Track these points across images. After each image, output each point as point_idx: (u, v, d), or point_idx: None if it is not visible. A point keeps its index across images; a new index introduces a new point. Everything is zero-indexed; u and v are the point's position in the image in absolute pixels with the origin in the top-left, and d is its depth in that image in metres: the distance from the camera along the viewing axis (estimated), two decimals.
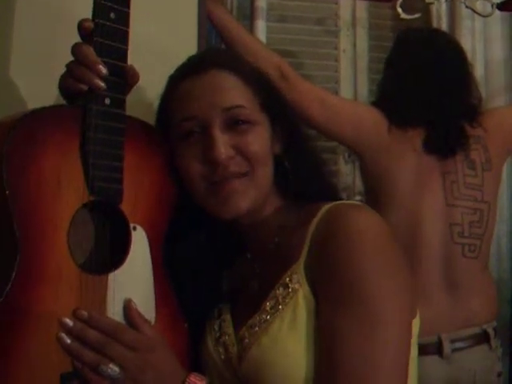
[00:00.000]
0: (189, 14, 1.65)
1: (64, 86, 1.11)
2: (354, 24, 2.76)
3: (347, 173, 2.69)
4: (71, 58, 1.10)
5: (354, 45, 2.76)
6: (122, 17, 1.12)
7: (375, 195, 2.15)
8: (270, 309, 1.12)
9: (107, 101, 1.10)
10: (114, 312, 1.09)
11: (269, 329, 1.11)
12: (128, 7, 1.13)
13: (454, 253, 2.08)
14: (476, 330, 2.08)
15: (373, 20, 2.79)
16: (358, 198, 2.57)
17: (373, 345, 1.02)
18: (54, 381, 1.02)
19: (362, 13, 2.76)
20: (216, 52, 1.43)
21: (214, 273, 1.28)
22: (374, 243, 1.08)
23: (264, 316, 1.13)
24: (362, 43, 2.77)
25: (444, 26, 2.59)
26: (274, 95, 1.25)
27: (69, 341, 1.01)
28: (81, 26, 1.10)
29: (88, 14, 1.11)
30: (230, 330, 1.20)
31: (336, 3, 2.74)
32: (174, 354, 1.10)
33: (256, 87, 1.20)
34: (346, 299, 1.04)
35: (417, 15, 2.39)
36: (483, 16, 2.45)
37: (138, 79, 1.15)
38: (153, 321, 1.15)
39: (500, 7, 2.42)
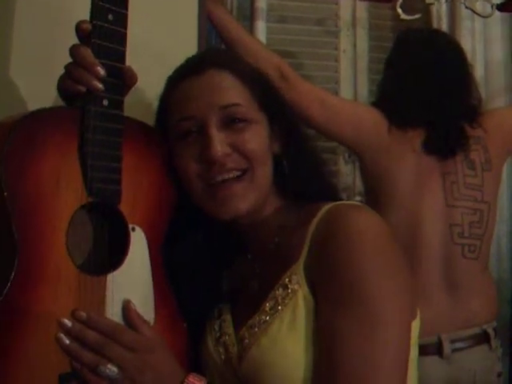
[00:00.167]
0: (189, 14, 1.65)
1: (62, 88, 1.11)
2: (354, 24, 2.76)
3: (347, 173, 2.69)
4: (70, 60, 1.10)
5: (354, 45, 2.76)
6: (119, 18, 1.12)
7: (375, 195, 2.15)
8: (270, 309, 1.12)
9: (105, 102, 1.10)
10: (113, 313, 1.09)
11: (268, 329, 1.11)
12: (126, 9, 1.13)
13: (454, 253, 2.09)
14: (476, 330, 2.08)
15: (373, 20, 2.79)
16: (358, 198, 2.58)
17: (372, 345, 1.02)
18: (52, 381, 1.02)
19: (362, 13, 2.76)
20: (214, 52, 1.43)
21: (214, 273, 1.28)
22: (373, 243, 1.08)
23: (263, 317, 1.13)
24: (362, 44, 2.77)
25: (444, 27, 2.59)
26: (272, 94, 1.25)
27: (68, 341, 1.02)
28: (79, 28, 1.10)
29: (87, 16, 1.11)
30: (230, 330, 1.20)
31: (336, 4, 2.74)
32: (172, 355, 1.10)
33: (254, 86, 1.21)
34: (346, 299, 1.05)
35: (417, 16, 2.39)
36: (483, 17, 2.45)
37: (136, 80, 1.15)
38: (152, 321, 1.15)
39: (500, 8, 2.41)
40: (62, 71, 1.12)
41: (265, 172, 1.20)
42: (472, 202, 2.11)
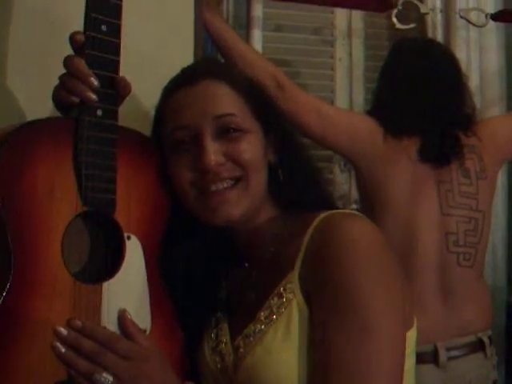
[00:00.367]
0: (185, 23, 1.66)
1: (57, 98, 1.12)
2: (349, 34, 2.77)
3: (343, 182, 2.69)
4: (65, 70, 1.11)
5: (350, 54, 2.77)
6: (113, 29, 1.13)
7: (370, 204, 2.15)
8: (265, 319, 1.13)
9: (99, 112, 1.11)
10: (109, 321, 1.10)
11: (263, 339, 1.12)
12: (119, 19, 1.14)
13: (449, 262, 2.09)
14: (471, 338, 2.08)
15: (369, 30, 2.80)
16: (354, 206, 2.58)
17: (367, 354, 1.02)
18: None
19: (358, 22, 2.77)
20: (208, 62, 1.44)
21: (211, 281, 1.27)
22: (367, 252, 1.08)
23: (258, 326, 1.13)
24: (358, 52, 2.77)
25: (439, 36, 2.60)
26: (266, 104, 1.26)
27: (63, 349, 1.02)
28: (72, 39, 1.11)
29: (82, 24, 1.12)
30: (226, 338, 1.20)
31: (332, 13, 2.75)
32: (168, 364, 1.11)
33: (248, 96, 1.21)
34: (340, 308, 1.05)
35: (412, 25, 2.41)
36: (477, 26, 2.47)
37: (129, 90, 1.16)
38: (148, 330, 1.16)
39: (494, 18, 2.43)
40: (56, 81, 1.13)
41: (259, 180, 1.20)
42: (467, 210, 2.12)
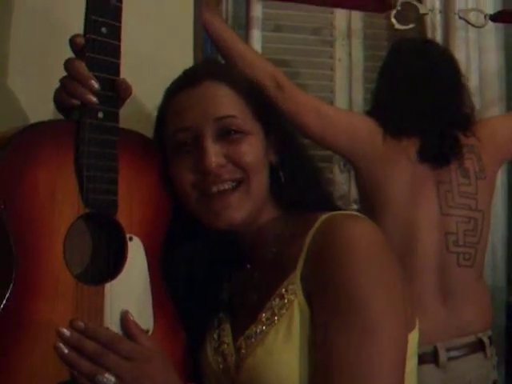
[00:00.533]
0: (184, 24, 1.66)
1: (58, 100, 1.13)
2: (349, 34, 2.77)
3: (342, 182, 2.69)
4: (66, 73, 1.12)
5: (350, 54, 2.77)
6: (113, 31, 1.13)
7: (370, 204, 2.15)
8: (266, 320, 1.13)
9: (100, 114, 1.11)
10: (111, 322, 1.10)
11: (264, 340, 1.12)
12: (119, 21, 1.14)
13: (449, 262, 2.09)
14: (471, 338, 2.08)
15: (368, 30, 2.80)
16: (354, 206, 2.58)
17: (368, 355, 1.02)
18: None
19: (358, 23, 2.77)
20: (210, 64, 1.44)
21: (214, 282, 1.27)
22: (369, 253, 1.08)
23: (260, 327, 1.13)
24: (358, 53, 2.77)
25: (438, 37, 2.59)
26: (267, 105, 1.26)
27: (66, 350, 1.02)
28: (72, 42, 1.12)
29: (82, 27, 1.12)
30: (228, 339, 1.21)
31: (331, 13, 2.75)
32: (170, 365, 1.11)
33: (249, 97, 1.22)
34: (341, 309, 1.05)
35: (411, 26, 2.41)
36: (476, 27, 2.47)
37: (130, 92, 1.16)
38: (150, 330, 1.16)
39: (493, 18, 2.44)
40: (57, 83, 1.13)
41: (260, 182, 1.20)
42: (466, 210, 2.12)
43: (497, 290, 2.62)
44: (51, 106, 1.17)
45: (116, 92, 1.13)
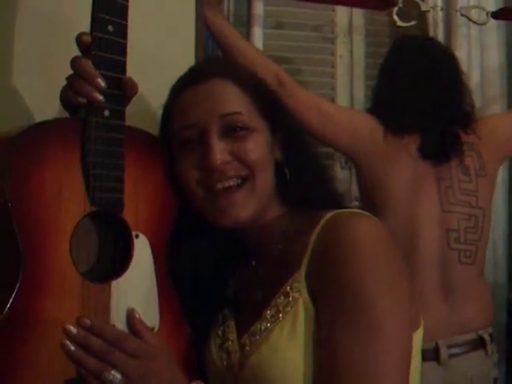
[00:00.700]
0: (186, 21, 1.66)
1: (65, 99, 1.13)
2: (350, 31, 2.77)
3: (343, 179, 2.69)
4: (71, 70, 1.11)
5: (351, 51, 2.77)
6: (119, 29, 1.13)
7: (371, 201, 2.16)
8: (271, 317, 1.13)
9: (106, 113, 1.11)
10: (118, 319, 1.10)
11: (269, 337, 1.12)
12: (126, 20, 1.14)
13: (450, 259, 2.09)
14: (472, 335, 2.08)
15: (370, 26, 2.80)
16: (355, 203, 2.58)
17: (374, 353, 1.02)
18: None
19: (359, 19, 2.77)
20: (215, 61, 1.44)
21: (219, 279, 1.27)
22: (374, 252, 1.08)
23: (264, 324, 1.14)
24: (359, 49, 2.78)
25: (440, 34, 2.60)
26: (273, 102, 1.26)
27: (72, 348, 1.02)
28: (79, 40, 1.12)
29: (87, 27, 1.12)
30: (233, 336, 1.21)
31: (333, 10, 2.75)
32: (175, 362, 1.11)
33: (255, 95, 1.22)
34: (346, 308, 1.05)
35: (413, 23, 2.41)
36: (478, 24, 2.47)
37: (136, 90, 1.16)
38: (156, 327, 1.17)
39: (494, 15, 2.44)
40: (63, 82, 1.13)
41: (265, 179, 1.20)
42: (467, 207, 2.12)
43: (498, 287, 2.63)
44: (55, 105, 1.17)
45: (122, 90, 1.13)
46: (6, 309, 1.00)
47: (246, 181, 1.18)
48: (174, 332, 1.20)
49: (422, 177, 2.11)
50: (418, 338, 1.15)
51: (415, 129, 2.13)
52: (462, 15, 2.45)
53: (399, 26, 2.40)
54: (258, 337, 1.14)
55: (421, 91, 2.16)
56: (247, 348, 1.15)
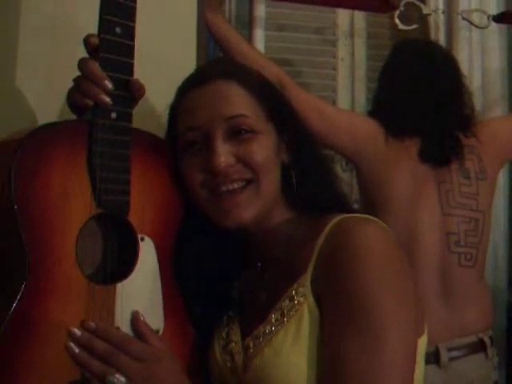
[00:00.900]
0: (188, 23, 1.66)
1: (72, 100, 1.13)
2: (352, 33, 2.77)
3: (344, 181, 2.69)
4: (74, 71, 1.11)
5: (352, 54, 2.77)
6: (127, 31, 1.13)
7: (372, 204, 2.15)
8: (275, 321, 1.13)
9: (113, 115, 1.11)
10: (122, 322, 1.11)
11: (273, 341, 1.12)
12: (133, 21, 1.14)
13: (451, 262, 2.09)
14: (472, 338, 2.08)
15: (371, 29, 2.80)
16: (355, 206, 2.58)
17: (378, 360, 1.01)
18: None
19: (360, 22, 2.77)
20: (221, 62, 1.43)
21: (224, 281, 1.27)
22: (381, 260, 1.08)
23: (269, 327, 1.13)
24: (360, 52, 2.78)
25: (441, 37, 2.59)
26: (280, 104, 1.25)
27: (77, 350, 1.02)
28: (87, 42, 1.12)
29: (92, 28, 1.12)
30: (237, 338, 1.21)
31: (334, 12, 2.75)
32: (179, 365, 1.11)
33: (262, 97, 1.21)
34: (352, 314, 1.04)
35: (414, 26, 2.42)
36: (480, 28, 2.47)
37: (144, 92, 1.16)
38: (161, 330, 1.17)
39: (496, 19, 2.44)
40: (66, 83, 1.13)
41: (271, 182, 1.20)
42: (467, 210, 2.12)
43: (498, 290, 2.62)
44: (59, 106, 1.17)
45: (129, 92, 1.13)
46: (11, 311, 1.00)
47: (251, 183, 1.18)
48: (179, 334, 1.20)
49: (422, 180, 2.11)
50: (422, 344, 1.15)
51: (416, 132, 2.13)
52: (463, 19, 2.46)
53: (400, 29, 2.40)
54: (261, 339, 1.14)
55: (422, 94, 2.16)
56: (251, 350, 1.15)
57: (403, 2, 2.35)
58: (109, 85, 1.10)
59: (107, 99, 1.10)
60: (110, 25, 1.10)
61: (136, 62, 1.17)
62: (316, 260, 1.12)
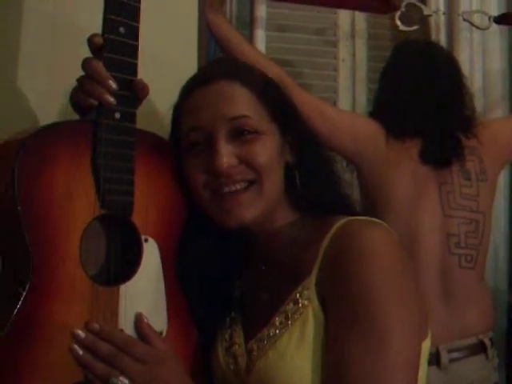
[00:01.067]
0: (189, 23, 1.65)
1: (75, 100, 1.12)
2: (353, 34, 2.77)
3: (345, 182, 2.68)
4: (75, 70, 1.11)
5: (353, 55, 2.77)
6: (131, 31, 1.12)
7: (373, 205, 2.15)
8: (279, 324, 1.13)
9: (117, 115, 1.11)
10: (126, 324, 1.10)
11: (277, 344, 1.11)
12: (137, 21, 1.13)
13: (451, 263, 2.09)
14: (472, 340, 2.08)
15: (372, 30, 2.80)
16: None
17: (383, 363, 1.01)
18: None
19: (361, 23, 2.78)
20: (225, 62, 1.42)
21: (226, 281, 1.27)
22: (386, 261, 1.07)
23: (273, 330, 1.13)
24: (361, 53, 2.78)
25: (442, 38, 2.60)
26: (284, 105, 1.24)
27: (81, 352, 1.02)
28: (91, 42, 1.11)
29: (92, 28, 1.12)
30: (240, 340, 1.20)
31: (335, 13, 2.75)
32: (182, 367, 1.11)
33: (265, 97, 1.20)
34: (357, 317, 1.04)
35: (415, 27, 2.41)
36: (481, 29, 2.47)
37: (147, 92, 1.16)
38: (164, 332, 1.16)
39: (497, 20, 2.44)
40: (67, 83, 1.12)
41: (273, 183, 1.19)
42: (468, 211, 2.12)
43: (498, 291, 2.63)
44: (59, 106, 1.17)
45: (133, 92, 1.13)
46: (15, 312, 1.00)
47: (253, 184, 1.17)
48: (182, 336, 1.20)
49: (423, 181, 2.11)
50: (425, 347, 1.15)
51: (417, 133, 2.13)
52: (464, 20, 2.46)
53: (401, 30, 2.40)
54: (265, 342, 1.13)
55: (422, 95, 2.16)
56: (255, 353, 1.15)
57: (404, 3, 2.35)
58: (113, 85, 1.09)
59: (111, 99, 1.09)
60: (113, 24, 1.10)
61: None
62: (321, 262, 1.12)
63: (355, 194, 2.56)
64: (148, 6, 1.42)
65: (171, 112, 1.24)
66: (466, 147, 2.13)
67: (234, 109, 1.17)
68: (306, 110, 2.04)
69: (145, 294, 1.14)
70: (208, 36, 1.99)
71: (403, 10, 2.35)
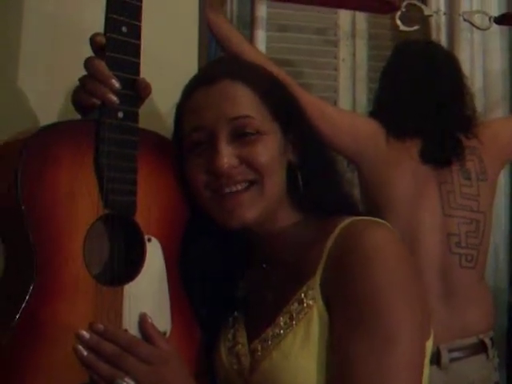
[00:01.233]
0: (189, 23, 1.65)
1: (77, 100, 1.12)
2: (353, 34, 2.77)
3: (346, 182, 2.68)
4: (76, 70, 1.11)
5: (354, 54, 2.78)
6: (133, 30, 1.12)
7: (373, 205, 2.15)
8: (284, 324, 1.12)
9: (120, 114, 1.11)
10: (130, 323, 1.10)
11: (281, 344, 1.11)
12: (139, 21, 1.13)
13: (452, 263, 2.09)
14: (473, 339, 2.08)
15: (372, 30, 2.80)
16: None
17: (388, 365, 1.01)
18: None
19: (362, 23, 2.78)
20: (227, 62, 1.41)
21: (229, 280, 1.26)
22: (390, 261, 1.07)
23: (277, 330, 1.13)
24: (362, 53, 2.78)
25: (443, 38, 2.60)
26: (286, 104, 1.24)
27: (85, 353, 1.01)
28: (93, 41, 1.11)
29: (94, 28, 1.12)
30: (243, 340, 1.20)
31: (336, 13, 2.75)
32: (187, 367, 1.10)
33: (268, 97, 1.19)
34: (361, 317, 1.04)
35: (416, 27, 2.42)
36: (481, 29, 2.47)
37: (150, 91, 1.15)
38: (168, 331, 1.16)
39: (497, 21, 2.44)
40: (68, 83, 1.12)
41: (275, 183, 1.18)
42: (468, 211, 2.12)
43: (499, 291, 2.63)
44: (60, 106, 1.16)
45: (136, 91, 1.13)
46: (19, 313, 1.00)
47: (254, 184, 1.16)
48: (186, 336, 1.20)
49: (423, 181, 2.11)
50: (428, 347, 1.15)
51: (417, 133, 2.13)
52: (464, 20, 2.46)
53: (402, 30, 2.40)
54: (269, 343, 1.13)
55: (423, 95, 2.16)
56: (258, 353, 1.15)
57: (404, 3, 2.35)
58: (116, 84, 1.09)
59: (114, 98, 1.09)
60: (116, 24, 1.10)
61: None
62: (325, 262, 1.12)
63: (356, 193, 2.57)
64: (149, 6, 1.42)
65: (172, 112, 1.24)
66: (466, 147, 2.14)
67: (237, 109, 1.16)
68: (308, 110, 2.06)
69: (148, 294, 1.14)
70: (209, 36, 1.99)
71: (404, 10, 2.35)
